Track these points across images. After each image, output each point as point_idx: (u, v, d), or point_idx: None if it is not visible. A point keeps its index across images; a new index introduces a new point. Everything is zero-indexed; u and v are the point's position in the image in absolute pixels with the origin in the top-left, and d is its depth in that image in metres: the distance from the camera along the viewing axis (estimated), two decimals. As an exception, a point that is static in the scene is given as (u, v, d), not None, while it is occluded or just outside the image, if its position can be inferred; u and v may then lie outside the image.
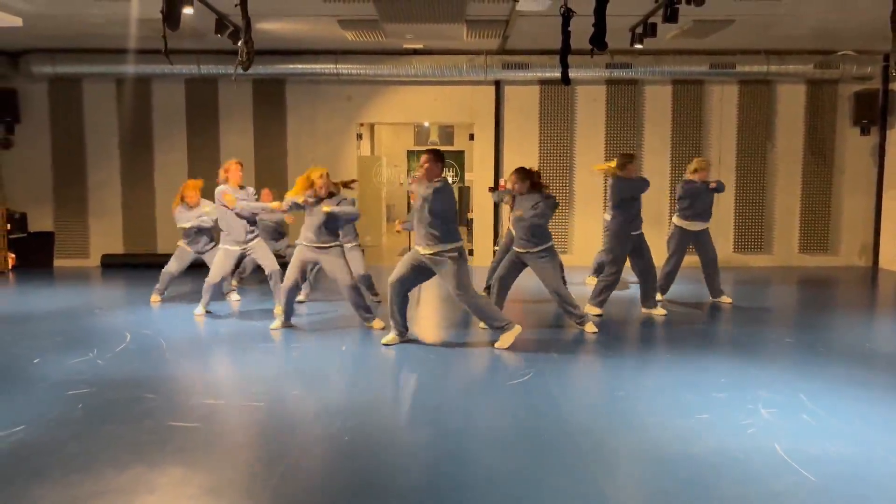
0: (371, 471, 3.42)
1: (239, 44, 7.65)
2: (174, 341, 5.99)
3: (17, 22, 8.13)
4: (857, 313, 7.52)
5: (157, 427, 3.96)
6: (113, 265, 10.64)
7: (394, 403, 4.57)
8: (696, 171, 7.59)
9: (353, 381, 5.01)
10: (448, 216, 5.60)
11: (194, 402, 4.40)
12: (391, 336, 5.84)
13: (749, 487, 3.18)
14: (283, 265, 6.88)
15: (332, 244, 6.29)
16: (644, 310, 7.14)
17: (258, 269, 7.72)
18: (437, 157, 5.57)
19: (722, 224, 10.61)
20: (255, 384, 4.85)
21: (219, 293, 7.40)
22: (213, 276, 6.99)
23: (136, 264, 10.49)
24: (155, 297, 7.72)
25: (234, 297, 7.93)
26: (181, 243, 7.67)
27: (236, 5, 6.45)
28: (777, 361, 5.39)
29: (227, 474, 3.39)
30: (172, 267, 7.65)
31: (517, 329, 5.76)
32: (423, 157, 5.60)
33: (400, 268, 5.77)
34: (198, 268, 7.83)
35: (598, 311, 7.00)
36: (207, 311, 7.05)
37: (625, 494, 3.22)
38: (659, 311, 7.07)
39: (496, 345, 5.72)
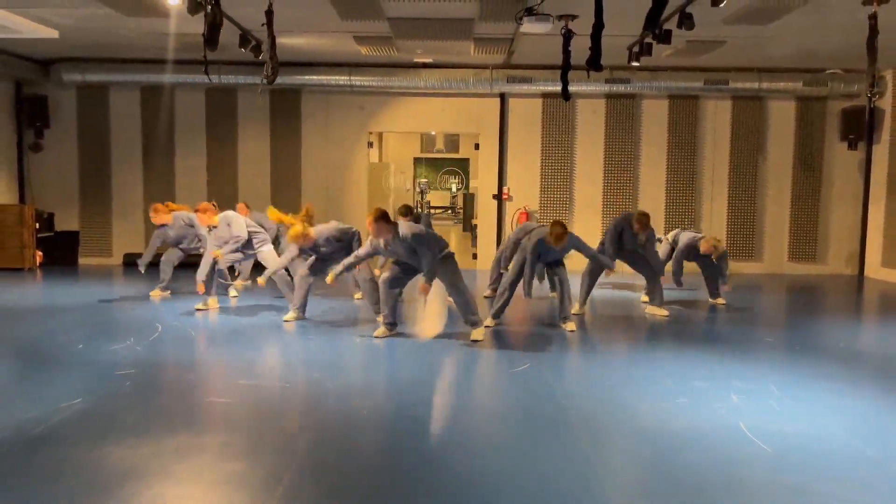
0: (387, 438, 3.96)
1: (260, 57, 8.26)
2: (202, 331, 6.54)
3: (54, 34, 8.71)
4: (837, 317, 8.02)
5: (199, 402, 4.50)
6: (134, 263, 11.12)
7: (407, 386, 5.09)
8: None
9: (368, 367, 5.54)
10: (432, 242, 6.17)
11: (228, 382, 4.95)
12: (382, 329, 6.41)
13: (713, 455, 3.70)
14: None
15: None
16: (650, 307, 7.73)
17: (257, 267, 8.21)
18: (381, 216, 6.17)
19: (715, 232, 11.10)
20: (280, 368, 5.39)
21: (220, 285, 7.88)
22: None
23: (157, 263, 10.99)
24: (156, 290, 8.37)
25: (233, 292, 8.45)
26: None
27: (263, 24, 7.01)
28: (755, 357, 5.90)
29: (263, 439, 3.91)
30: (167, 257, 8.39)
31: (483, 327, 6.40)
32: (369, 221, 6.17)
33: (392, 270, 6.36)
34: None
35: (663, 312, 7.57)
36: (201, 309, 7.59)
37: (608, 460, 3.73)
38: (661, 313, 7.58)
39: (472, 337, 6.26)
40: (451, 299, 7.92)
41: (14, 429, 3.93)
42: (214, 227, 7.58)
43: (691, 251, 8.14)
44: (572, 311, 7.13)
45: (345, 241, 7.01)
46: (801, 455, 3.72)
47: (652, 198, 11.21)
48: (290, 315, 7.03)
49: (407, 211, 8.13)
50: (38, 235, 10.75)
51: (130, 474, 3.39)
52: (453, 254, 6.33)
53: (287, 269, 7.48)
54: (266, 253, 7.60)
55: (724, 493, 3.27)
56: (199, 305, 7.54)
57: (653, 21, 5.03)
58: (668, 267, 8.30)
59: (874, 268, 10.93)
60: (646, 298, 8.37)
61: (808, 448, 3.82)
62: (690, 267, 8.33)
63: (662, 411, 4.42)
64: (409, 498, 3.23)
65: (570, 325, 6.78)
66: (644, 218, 7.59)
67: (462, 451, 3.79)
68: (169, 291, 8.39)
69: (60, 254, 11.19)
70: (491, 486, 3.35)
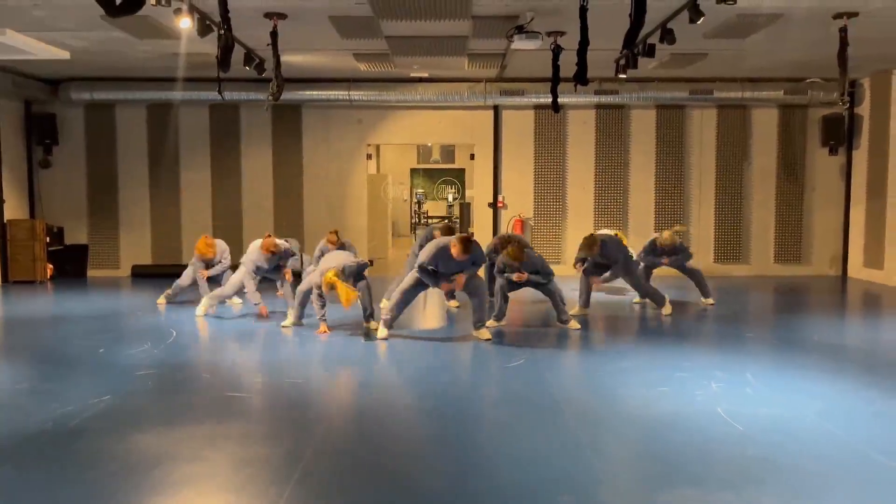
0: (395, 425, 4.33)
1: (263, 74, 8.67)
2: (215, 336, 6.91)
3: (65, 55, 9.09)
4: (816, 315, 8.40)
5: (219, 396, 4.87)
6: (142, 275, 11.54)
7: (410, 380, 5.47)
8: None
9: (374, 365, 5.91)
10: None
11: (244, 379, 5.32)
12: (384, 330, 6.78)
13: (690, 435, 4.08)
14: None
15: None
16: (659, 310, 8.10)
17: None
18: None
19: (703, 236, 11.59)
20: (291, 368, 5.75)
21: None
22: (226, 289, 7.92)
23: (163, 274, 11.36)
24: (162, 300, 8.69)
25: (236, 299, 8.79)
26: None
27: (268, 45, 7.43)
28: (735, 350, 6.28)
29: (281, 428, 4.28)
30: (185, 280, 8.63)
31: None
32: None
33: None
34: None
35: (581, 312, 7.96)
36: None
37: (594, 440, 4.09)
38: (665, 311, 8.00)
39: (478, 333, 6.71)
40: (450, 304, 8.41)
41: (52, 422, 4.29)
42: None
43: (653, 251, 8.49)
44: (572, 313, 7.53)
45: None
46: (769, 433, 4.10)
47: (641, 204, 11.63)
48: (288, 321, 7.35)
49: (448, 230, 8.14)
50: (49, 249, 11.10)
51: (162, 458, 3.75)
52: None
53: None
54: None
55: (697, 464, 3.65)
56: (199, 311, 7.85)
57: (630, 41, 5.43)
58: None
59: (857, 268, 11.33)
60: (638, 300, 8.77)
61: (777, 427, 4.20)
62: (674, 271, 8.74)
63: (645, 398, 4.80)
64: (416, 473, 3.60)
65: (574, 324, 7.17)
66: (587, 240, 7.80)
67: (462, 433, 4.16)
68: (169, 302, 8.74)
69: (70, 266, 11.55)
70: (488, 461, 3.72)
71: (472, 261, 6.61)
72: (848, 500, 3.27)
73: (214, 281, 8.60)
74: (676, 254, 8.44)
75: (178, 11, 6.33)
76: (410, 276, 6.79)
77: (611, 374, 5.49)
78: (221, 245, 8.61)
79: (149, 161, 11.65)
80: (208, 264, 8.50)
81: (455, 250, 6.40)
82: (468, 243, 6.43)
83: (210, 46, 7.36)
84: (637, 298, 8.81)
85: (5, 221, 10.80)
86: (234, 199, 11.68)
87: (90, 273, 11.73)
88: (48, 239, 11.05)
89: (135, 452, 3.83)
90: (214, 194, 11.70)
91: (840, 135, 11.32)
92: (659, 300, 8.06)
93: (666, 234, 8.45)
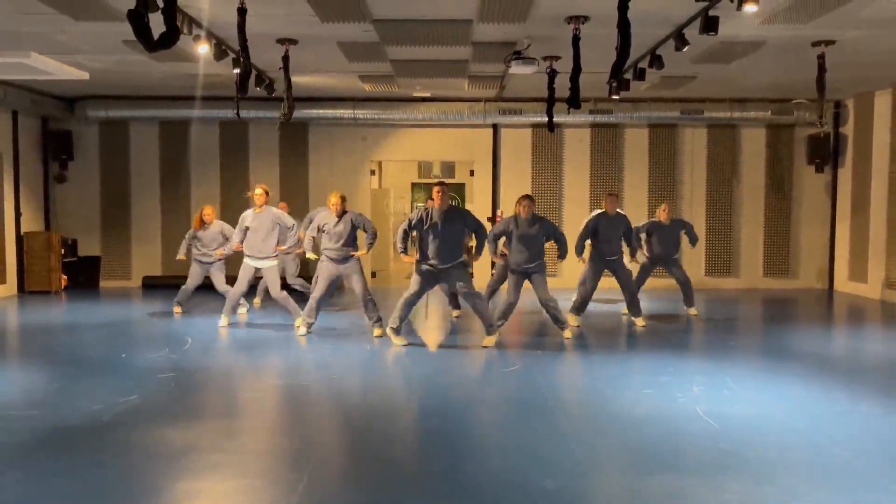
0: (397, 420, 4.72)
1: (273, 94, 9.12)
2: (228, 343, 7.30)
3: (85, 76, 9.55)
4: (800, 325, 8.80)
5: (235, 396, 5.28)
6: (152, 286, 11.94)
7: (412, 383, 5.86)
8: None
9: (379, 369, 6.31)
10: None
11: (257, 382, 5.72)
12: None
13: (669, 431, 4.47)
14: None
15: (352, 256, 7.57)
16: (632, 318, 8.41)
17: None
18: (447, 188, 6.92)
19: (694, 251, 11.95)
20: (301, 372, 6.15)
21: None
22: (236, 287, 8.13)
23: (173, 285, 11.75)
24: (177, 309, 9.06)
25: (242, 309, 9.15)
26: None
27: (280, 68, 7.88)
28: (717, 357, 6.67)
29: (295, 422, 4.69)
30: (190, 284, 9.02)
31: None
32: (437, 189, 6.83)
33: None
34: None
35: (575, 322, 8.27)
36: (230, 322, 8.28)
37: (580, 434, 4.48)
38: (640, 322, 8.30)
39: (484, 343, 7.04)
40: (453, 314, 8.81)
41: (86, 417, 4.68)
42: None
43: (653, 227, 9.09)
44: (573, 323, 7.96)
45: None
46: (740, 430, 4.49)
47: (634, 219, 11.99)
48: (299, 321, 7.70)
49: None
50: (63, 260, 11.49)
51: (188, 448, 4.14)
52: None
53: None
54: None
55: (673, 455, 4.05)
56: (223, 323, 8.22)
57: (616, 72, 5.88)
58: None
59: (842, 282, 11.74)
60: (626, 311, 9.16)
61: (748, 424, 4.59)
62: (670, 283, 9.12)
63: (630, 399, 5.19)
64: (415, 460, 4.00)
65: (567, 333, 7.53)
66: (610, 197, 8.49)
67: (458, 427, 4.55)
68: (184, 310, 9.11)
69: (83, 277, 11.96)
70: (481, 451, 4.12)
71: (460, 219, 6.87)
72: (803, 485, 3.65)
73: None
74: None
75: (197, 38, 6.79)
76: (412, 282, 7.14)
77: (600, 378, 5.89)
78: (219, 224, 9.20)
79: (160, 176, 12.10)
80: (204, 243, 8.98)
81: (435, 198, 6.80)
82: (442, 187, 6.76)
83: (222, 68, 7.83)
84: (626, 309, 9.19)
85: (22, 234, 11.22)
86: (242, 213, 12.05)
87: (102, 284, 12.14)
88: (63, 251, 11.46)
89: (161, 443, 4.22)
90: (223, 208, 12.10)
91: (825, 153, 11.77)
92: (636, 310, 8.39)
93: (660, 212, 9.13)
